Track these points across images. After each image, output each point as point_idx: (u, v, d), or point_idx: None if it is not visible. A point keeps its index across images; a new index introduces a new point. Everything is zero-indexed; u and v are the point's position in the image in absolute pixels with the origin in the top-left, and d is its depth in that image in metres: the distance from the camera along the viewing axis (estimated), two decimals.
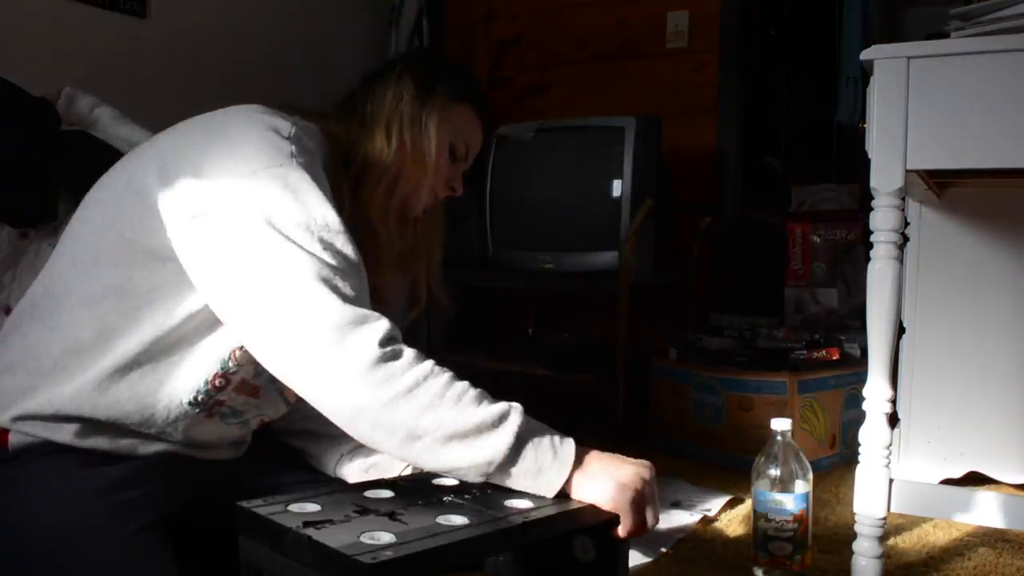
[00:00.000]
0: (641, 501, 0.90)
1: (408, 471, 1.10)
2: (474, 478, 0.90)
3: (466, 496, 0.89)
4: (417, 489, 0.91)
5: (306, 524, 0.77)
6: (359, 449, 1.18)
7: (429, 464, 0.90)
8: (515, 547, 0.84)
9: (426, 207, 1.19)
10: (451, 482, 0.95)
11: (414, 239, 1.22)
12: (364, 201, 1.11)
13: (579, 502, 0.92)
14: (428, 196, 1.17)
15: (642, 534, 0.91)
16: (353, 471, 1.18)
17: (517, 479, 0.89)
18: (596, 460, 0.92)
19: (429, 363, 0.90)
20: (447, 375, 0.90)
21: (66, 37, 2.27)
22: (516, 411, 0.90)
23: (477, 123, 1.21)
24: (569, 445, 0.91)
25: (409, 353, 0.90)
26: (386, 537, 0.75)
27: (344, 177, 1.09)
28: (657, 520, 0.92)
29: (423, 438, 0.87)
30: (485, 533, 0.80)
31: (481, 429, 0.87)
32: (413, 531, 0.78)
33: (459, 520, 0.82)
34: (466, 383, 0.91)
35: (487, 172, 2.66)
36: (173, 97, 2.33)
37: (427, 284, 1.26)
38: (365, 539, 0.74)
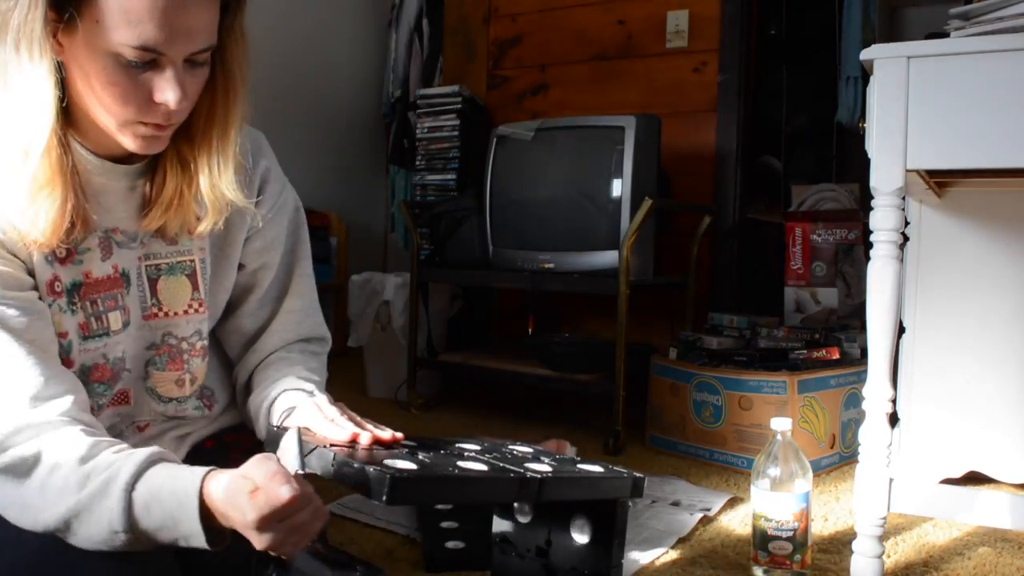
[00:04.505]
0: (282, 520, 0.79)
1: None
2: (133, 546, 0.83)
3: (487, 456, 0.96)
4: (441, 445, 0.98)
5: (335, 456, 0.82)
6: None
7: (84, 544, 0.84)
8: (530, 499, 0.89)
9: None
10: (475, 446, 1.01)
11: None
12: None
13: (600, 471, 0.97)
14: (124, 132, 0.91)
15: (282, 552, 0.81)
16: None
17: (162, 535, 0.82)
18: (229, 486, 0.80)
19: (31, 456, 0.84)
20: (48, 464, 0.83)
21: None
22: (124, 473, 0.82)
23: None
24: (191, 485, 0.82)
25: (15, 452, 0.84)
26: (408, 465, 0.82)
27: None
28: (306, 540, 0.81)
29: (59, 530, 0.83)
30: (501, 477, 0.87)
31: (91, 506, 0.82)
32: (433, 466, 0.85)
33: (478, 467, 0.88)
34: (70, 461, 0.83)
35: (487, 172, 2.66)
36: None
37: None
38: (388, 463, 0.81)
